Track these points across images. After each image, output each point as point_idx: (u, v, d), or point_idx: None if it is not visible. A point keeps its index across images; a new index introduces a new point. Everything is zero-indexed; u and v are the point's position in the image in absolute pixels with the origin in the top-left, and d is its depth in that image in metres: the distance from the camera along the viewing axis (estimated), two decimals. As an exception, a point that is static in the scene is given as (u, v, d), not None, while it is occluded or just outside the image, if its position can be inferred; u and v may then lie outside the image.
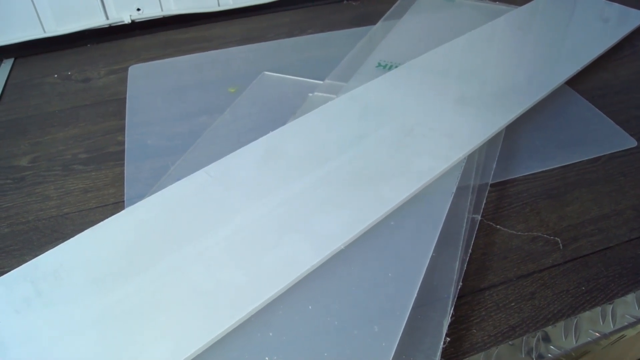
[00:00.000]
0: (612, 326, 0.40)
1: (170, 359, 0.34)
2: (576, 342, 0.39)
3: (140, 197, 0.48)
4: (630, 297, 0.42)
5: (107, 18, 0.83)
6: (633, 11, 0.81)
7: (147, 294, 0.38)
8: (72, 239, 0.43)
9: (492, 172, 0.52)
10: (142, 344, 0.35)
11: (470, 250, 0.44)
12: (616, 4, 0.83)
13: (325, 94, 0.64)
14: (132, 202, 0.47)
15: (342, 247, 0.42)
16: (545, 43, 0.71)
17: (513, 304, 0.41)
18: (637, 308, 0.41)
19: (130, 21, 0.84)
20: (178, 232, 0.43)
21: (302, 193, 0.46)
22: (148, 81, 0.72)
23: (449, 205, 0.46)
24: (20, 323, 0.37)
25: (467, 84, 0.61)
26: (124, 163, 0.57)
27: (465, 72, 0.64)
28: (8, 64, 0.78)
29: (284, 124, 0.56)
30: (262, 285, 0.39)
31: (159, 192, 0.47)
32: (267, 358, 0.35)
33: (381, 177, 0.48)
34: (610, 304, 0.41)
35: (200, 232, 0.43)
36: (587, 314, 0.41)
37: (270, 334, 0.37)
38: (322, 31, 0.85)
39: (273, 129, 0.54)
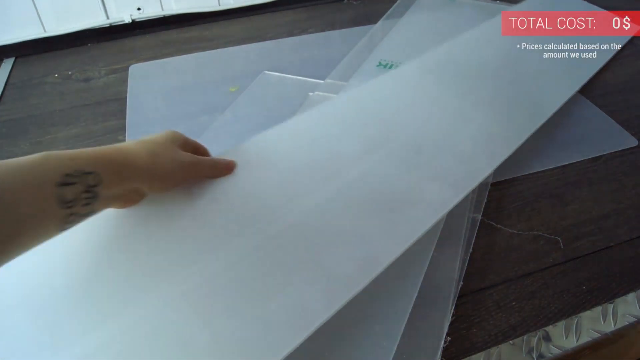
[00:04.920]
0: (612, 325, 0.40)
1: None
2: (577, 342, 0.39)
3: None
4: (631, 297, 0.42)
5: (108, 17, 0.83)
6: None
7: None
8: None
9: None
10: None
11: (470, 250, 0.44)
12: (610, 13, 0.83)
13: (325, 94, 0.64)
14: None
15: (358, 291, 0.35)
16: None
17: (514, 303, 0.41)
18: (638, 307, 0.41)
19: (130, 21, 0.84)
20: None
21: (307, 218, 0.40)
22: (148, 81, 0.72)
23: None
24: None
25: (467, 83, 0.61)
26: (124, 162, 0.56)
27: (465, 71, 0.63)
28: (8, 63, 0.78)
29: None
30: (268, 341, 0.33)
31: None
32: (267, 358, 0.35)
33: (394, 205, 0.42)
34: (611, 303, 0.41)
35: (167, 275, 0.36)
36: (587, 313, 0.41)
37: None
38: (322, 30, 0.85)
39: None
